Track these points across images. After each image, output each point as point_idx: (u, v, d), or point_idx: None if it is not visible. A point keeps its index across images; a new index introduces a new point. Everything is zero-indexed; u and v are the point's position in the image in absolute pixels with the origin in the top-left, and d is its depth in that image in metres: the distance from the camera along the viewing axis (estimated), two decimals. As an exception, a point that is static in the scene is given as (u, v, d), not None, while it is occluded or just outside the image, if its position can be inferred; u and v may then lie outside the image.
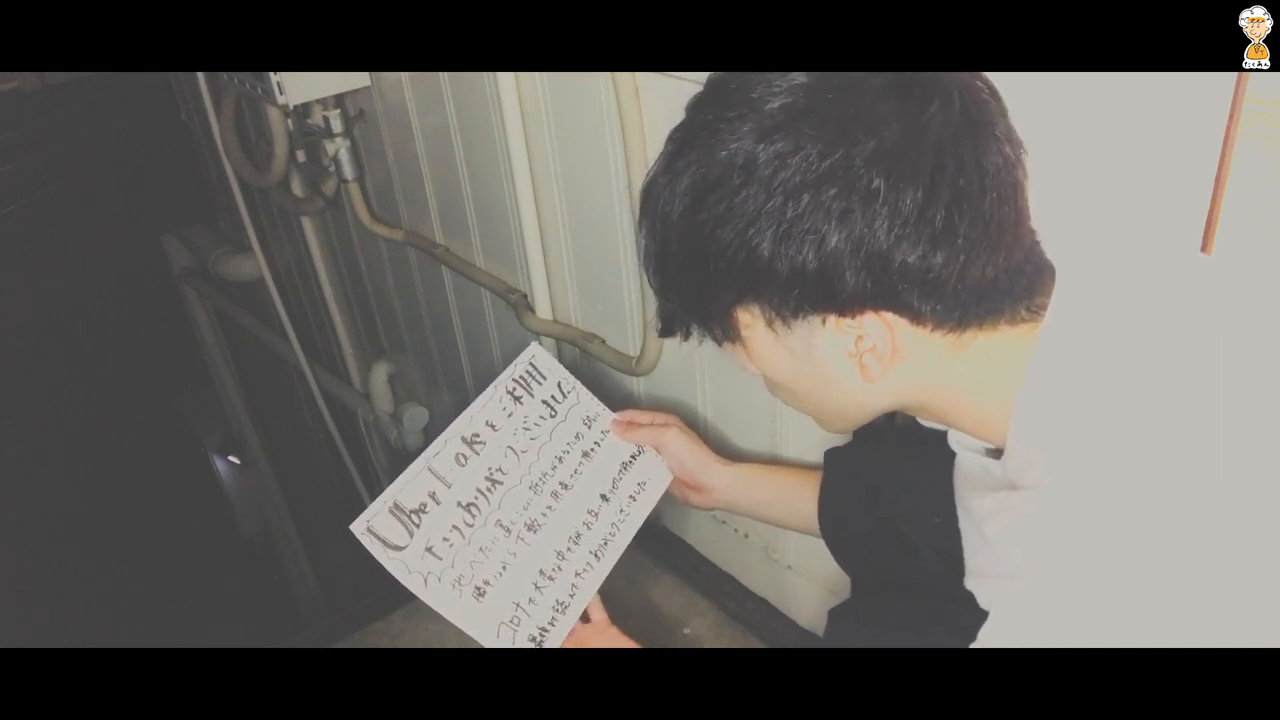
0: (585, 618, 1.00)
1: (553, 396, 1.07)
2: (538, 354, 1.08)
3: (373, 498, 0.93)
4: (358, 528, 0.90)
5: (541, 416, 1.05)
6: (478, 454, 0.99)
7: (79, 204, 2.80)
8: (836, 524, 0.99)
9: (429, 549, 0.92)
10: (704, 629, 1.33)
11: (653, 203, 0.63)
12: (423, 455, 0.97)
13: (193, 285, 2.93)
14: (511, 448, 1.01)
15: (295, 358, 2.34)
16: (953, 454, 0.76)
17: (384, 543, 0.90)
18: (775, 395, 0.73)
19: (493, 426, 1.02)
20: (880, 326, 0.60)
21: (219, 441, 3.45)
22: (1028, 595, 0.57)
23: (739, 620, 1.32)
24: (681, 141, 0.62)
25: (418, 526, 0.92)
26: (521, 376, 1.06)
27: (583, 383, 1.10)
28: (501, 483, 0.99)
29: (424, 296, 1.88)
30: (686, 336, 0.70)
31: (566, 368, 1.10)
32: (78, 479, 3.24)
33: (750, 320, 0.64)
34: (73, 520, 3.26)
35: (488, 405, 1.02)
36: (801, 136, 0.56)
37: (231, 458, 3.45)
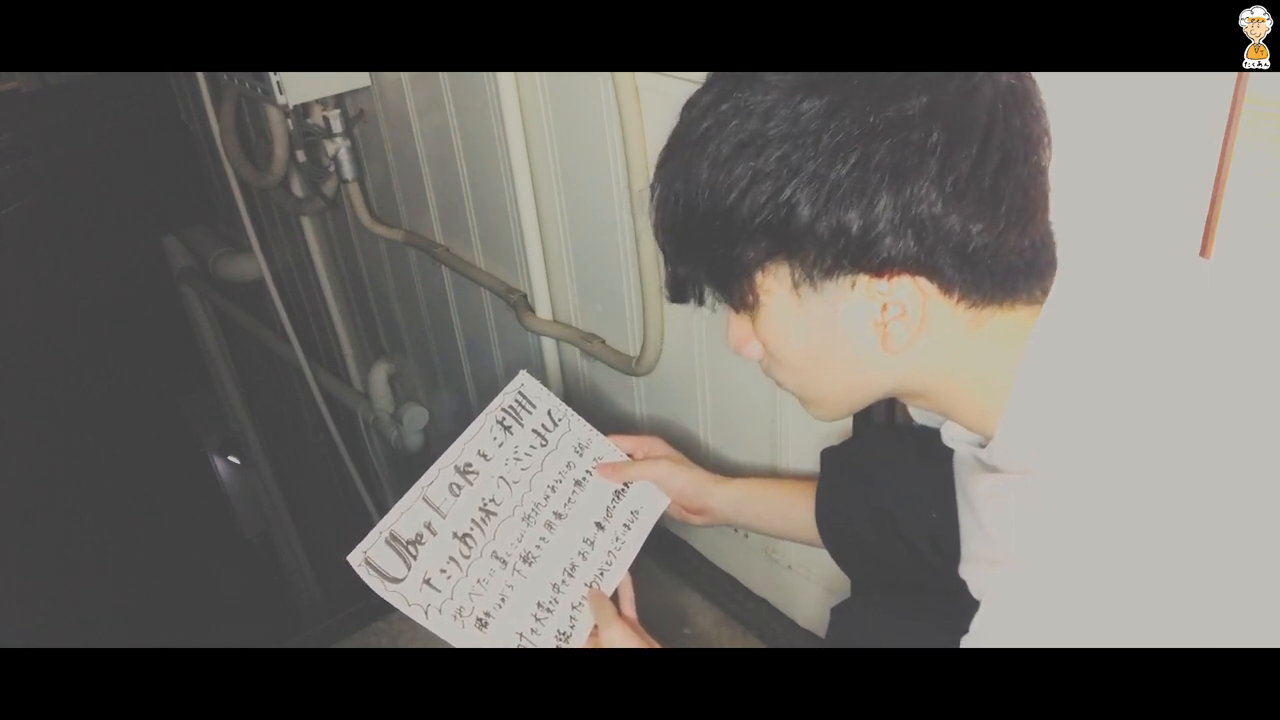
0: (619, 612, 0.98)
1: (543, 425, 1.07)
2: (526, 383, 1.08)
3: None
4: (355, 559, 0.89)
5: (532, 446, 1.05)
6: (471, 484, 0.99)
7: (79, 204, 2.79)
8: (834, 520, 0.99)
9: (427, 581, 0.91)
10: (704, 629, 1.33)
11: (677, 161, 0.60)
12: (417, 485, 0.96)
13: (193, 285, 2.93)
14: (504, 478, 1.01)
15: (295, 358, 2.34)
16: (949, 451, 0.76)
17: (381, 575, 0.90)
18: (771, 374, 0.70)
19: (485, 456, 1.01)
20: (914, 291, 0.58)
21: (219, 441, 3.45)
22: (1020, 584, 0.57)
23: (739, 620, 1.32)
24: (718, 94, 0.59)
25: (415, 558, 0.92)
26: (511, 406, 1.06)
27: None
28: (495, 514, 0.99)
29: (424, 296, 1.88)
30: (701, 302, 0.67)
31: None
32: (78, 479, 3.23)
33: (773, 285, 0.62)
34: (73, 520, 3.26)
35: (478, 434, 1.02)
36: (850, 92, 0.55)
37: (231, 458, 3.44)
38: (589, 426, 1.10)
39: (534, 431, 1.06)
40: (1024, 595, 0.57)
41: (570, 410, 1.10)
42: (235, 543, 3.62)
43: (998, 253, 0.58)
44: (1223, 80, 0.86)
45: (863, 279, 0.58)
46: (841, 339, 0.62)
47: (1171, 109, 0.87)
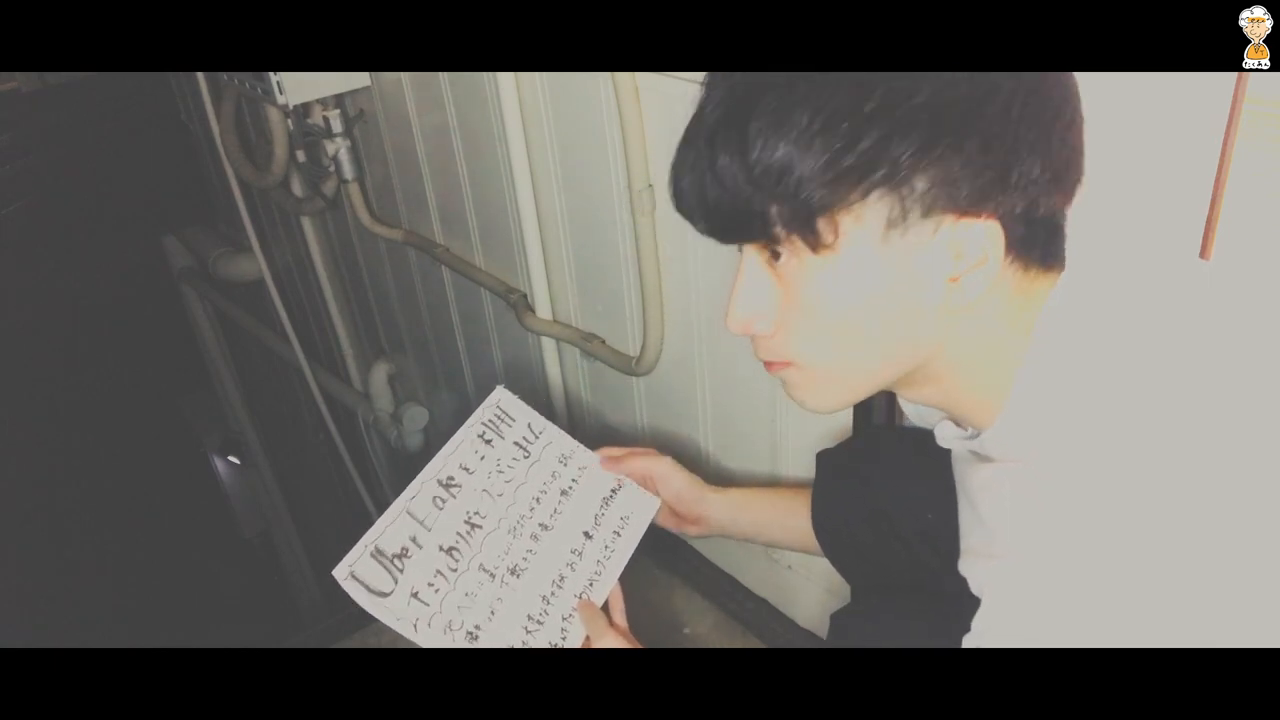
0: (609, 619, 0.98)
1: (524, 438, 1.06)
2: (504, 397, 1.07)
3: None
4: (340, 574, 0.88)
5: (514, 458, 1.04)
6: (454, 497, 0.98)
7: (79, 204, 2.80)
8: (830, 523, 0.99)
9: (415, 595, 0.91)
10: (704, 629, 1.33)
11: (774, 100, 0.57)
12: (400, 498, 0.95)
13: (193, 285, 2.93)
14: (487, 490, 1.00)
15: (295, 358, 2.34)
16: (945, 451, 0.76)
17: (368, 589, 0.89)
18: (783, 351, 0.67)
19: (467, 469, 1.01)
20: (996, 238, 0.58)
21: (219, 441, 3.44)
22: (1019, 576, 0.57)
23: (739, 620, 1.32)
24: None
25: (401, 572, 0.91)
26: (490, 420, 1.05)
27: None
28: (481, 526, 0.98)
29: (424, 296, 1.88)
30: (775, 240, 0.62)
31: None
32: (78, 479, 3.23)
33: (858, 227, 0.59)
34: (73, 520, 3.26)
35: (459, 449, 1.01)
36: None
37: (231, 458, 3.44)
38: (571, 439, 1.09)
39: (515, 444, 1.05)
40: (1024, 588, 0.57)
41: (550, 424, 1.09)
42: (235, 543, 3.61)
43: (1053, 214, 0.60)
44: (1223, 80, 0.86)
45: (948, 221, 0.58)
46: (910, 286, 0.60)
47: (1171, 109, 0.87)
